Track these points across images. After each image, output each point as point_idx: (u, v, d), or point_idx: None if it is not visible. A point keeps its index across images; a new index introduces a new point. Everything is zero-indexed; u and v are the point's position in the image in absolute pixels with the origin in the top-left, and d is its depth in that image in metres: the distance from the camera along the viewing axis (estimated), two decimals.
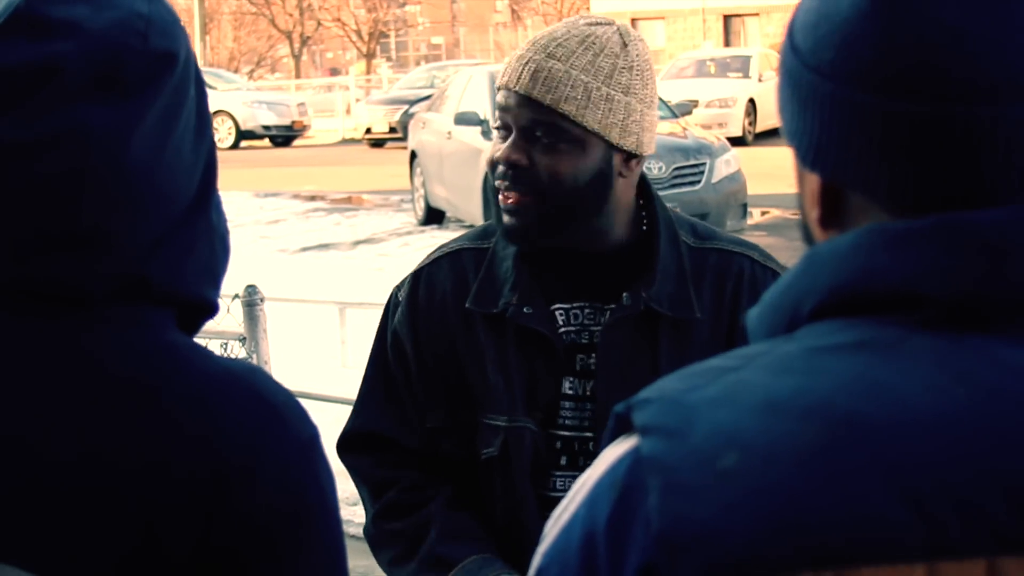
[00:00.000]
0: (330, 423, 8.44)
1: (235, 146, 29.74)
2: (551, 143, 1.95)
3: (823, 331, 0.93)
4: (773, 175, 18.32)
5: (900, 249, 0.91)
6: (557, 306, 2.05)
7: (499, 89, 2.01)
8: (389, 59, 72.92)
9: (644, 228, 2.07)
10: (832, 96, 0.94)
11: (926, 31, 0.91)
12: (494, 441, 2.04)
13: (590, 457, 1.99)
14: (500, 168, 1.99)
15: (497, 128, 2.01)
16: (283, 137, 30.89)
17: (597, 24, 2.00)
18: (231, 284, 4.40)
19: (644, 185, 2.09)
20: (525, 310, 2.02)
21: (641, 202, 2.09)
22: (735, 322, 2.01)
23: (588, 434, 2.03)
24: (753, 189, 13.29)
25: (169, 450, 1.12)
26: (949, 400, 0.87)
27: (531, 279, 2.04)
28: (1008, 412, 0.87)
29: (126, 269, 1.16)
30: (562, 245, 2.05)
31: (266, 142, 30.82)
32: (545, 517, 1.96)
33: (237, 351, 3.68)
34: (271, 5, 55.27)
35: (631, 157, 1.99)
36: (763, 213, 15.64)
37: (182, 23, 1.28)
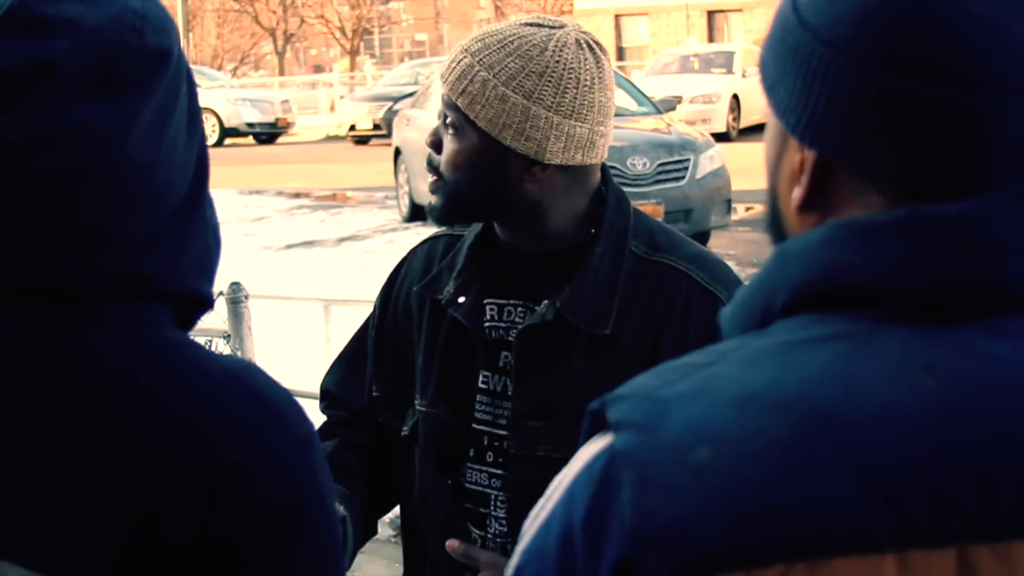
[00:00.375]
0: (315, 419, 8.44)
1: (219, 143, 29.69)
2: (452, 133, 1.98)
3: (795, 326, 0.93)
4: (757, 171, 18.22)
5: (870, 243, 0.92)
6: (490, 300, 2.05)
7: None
8: (373, 56, 72.88)
9: (592, 231, 2.03)
10: (845, 72, 0.94)
11: (951, 17, 0.91)
12: (409, 422, 2.11)
13: (500, 454, 2.02)
14: (429, 151, 2.06)
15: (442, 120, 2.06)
16: (267, 134, 30.87)
17: (538, 26, 1.97)
18: (222, 281, 4.40)
19: (605, 190, 2.06)
20: (459, 300, 2.04)
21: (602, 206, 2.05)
22: (659, 342, 1.96)
23: (501, 431, 2.03)
24: (737, 185, 13.29)
25: (168, 447, 1.13)
26: (919, 391, 0.88)
27: (474, 271, 2.06)
28: (978, 401, 0.88)
29: (124, 265, 1.17)
30: (510, 243, 2.06)
31: (250, 139, 30.79)
32: (457, 504, 2.05)
33: (221, 348, 3.67)
34: (254, 2, 55.16)
35: (534, 163, 1.95)
36: (747, 209, 15.65)
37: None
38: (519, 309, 2.04)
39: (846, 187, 0.97)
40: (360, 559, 5.22)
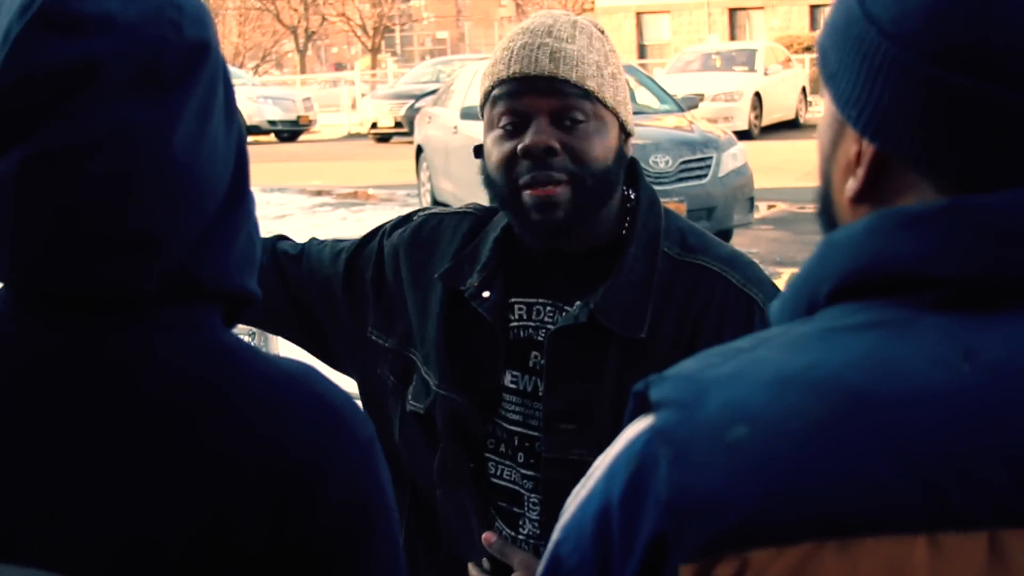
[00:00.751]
0: None
1: None
2: (581, 124, 1.92)
3: (838, 313, 0.95)
4: (779, 169, 18.32)
5: (913, 231, 0.93)
6: (518, 299, 2.03)
7: (501, 82, 1.95)
8: (394, 54, 72.94)
9: (624, 232, 2.00)
10: (911, 69, 0.94)
11: (1018, 19, 0.92)
12: (423, 400, 2.07)
13: (532, 455, 2.00)
14: (528, 160, 1.90)
15: (504, 124, 1.94)
16: (289, 132, 30.91)
17: (563, 14, 2.00)
18: None
19: (636, 188, 2.04)
20: (484, 295, 2.01)
21: (629, 205, 2.03)
22: (695, 345, 1.89)
23: (533, 432, 2.00)
24: (759, 183, 13.26)
25: (239, 450, 1.13)
26: (956, 375, 0.89)
27: (499, 266, 2.03)
28: (1014, 387, 0.88)
29: (176, 267, 1.16)
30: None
31: (272, 137, 30.82)
32: (483, 496, 2.03)
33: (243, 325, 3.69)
34: (276, 0, 55.26)
35: (628, 136, 2.00)
36: (769, 207, 15.63)
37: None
38: (548, 309, 2.01)
39: (901, 180, 0.98)
40: None
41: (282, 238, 2.33)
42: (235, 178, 1.23)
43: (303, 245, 2.30)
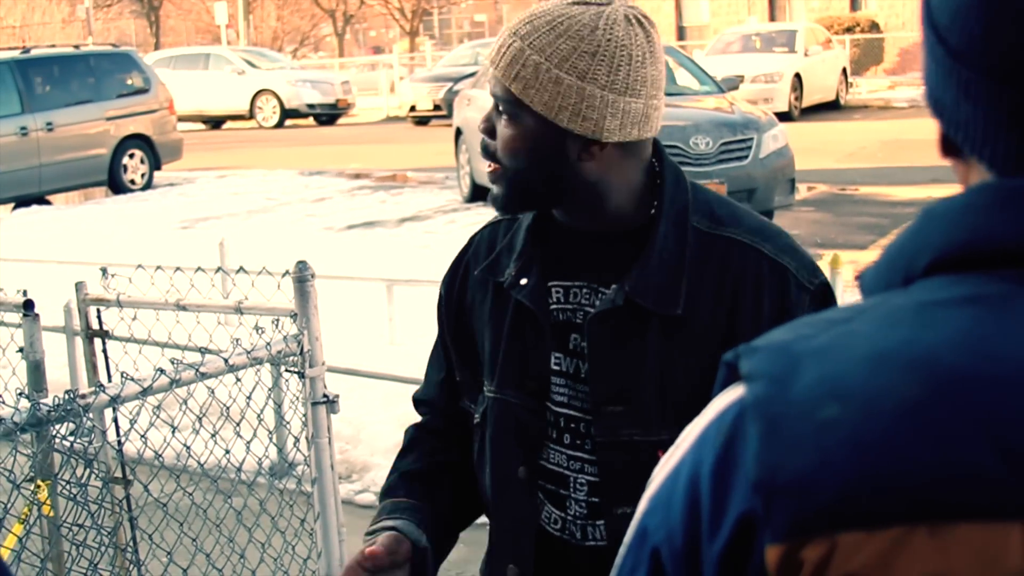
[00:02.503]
0: (379, 400, 8.42)
1: (280, 125, 29.86)
2: (507, 117, 1.97)
3: (935, 286, 0.92)
4: (820, 150, 18.23)
5: (1014, 205, 0.91)
6: (555, 283, 2.05)
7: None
8: (432, 37, 72.89)
9: (653, 211, 2.02)
10: (964, 74, 0.94)
11: None
12: (480, 408, 2.13)
13: (578, 436, 2.03)
14: (483, 136, 2.04)
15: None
16: (327, 115, 30.99)
17: (586, 4, 1.95)
18: (285, 261, 4.39)
19: (660, 166, 2.05)
20: (522, 282, 2.04)
21: (659, 183, 2.04)
22: (735, 318, 1.95)
23: (578, 414, 2.03)
24: (799, 165, 13.20)
25: None
26: None
27: (534, 252, 2.06)
28: None
29: None
30: (570, 223, 2.05)
31: (310, 120, 30.91)
32: (535, 485, 2.06)
33: (288, 327, 3.69)
34: None
35: (592, 143, 1.95)
36: (809, 188, 15.56)
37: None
38: (585, 291, 2.03)
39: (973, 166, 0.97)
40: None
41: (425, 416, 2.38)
42: None
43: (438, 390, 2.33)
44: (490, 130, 2.00)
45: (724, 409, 0.93)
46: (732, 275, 1.96)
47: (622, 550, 1.01)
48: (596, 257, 2.03)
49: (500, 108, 1.97)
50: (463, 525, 2.27)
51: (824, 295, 1.99)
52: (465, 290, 2.19)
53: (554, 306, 2.05)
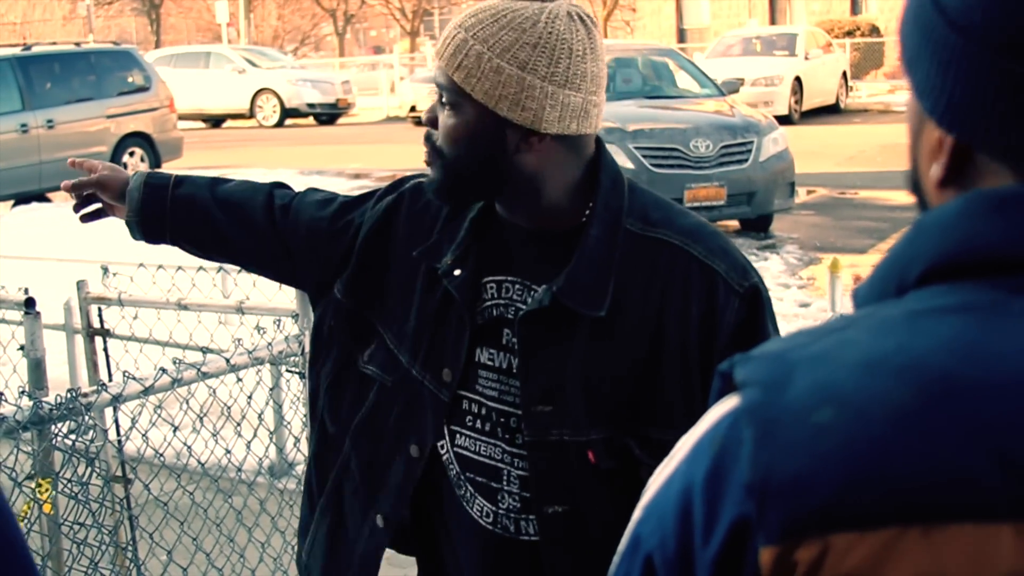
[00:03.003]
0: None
1: (280, 124, 29.85)
2: (448, 107, 1.99)
3: (927, 295, 0.93)
4: (820, 154, 18.22)
5: (1004, 213, 0.92)
6: (489, 278, 2.08)
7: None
8: (433, 37, 72.80)
9: (588, 212, 2.03)
10: (978, 59, 0.94)
11: None
12: (392, 372, 2.14)
13: (508, 431, 2.05)
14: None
15: None
16: (328, 115, 30.98)
17: (530, 0, 1.99)
18: None
19: (599, 167, 2.06)
20: (455, 272, 2.07)
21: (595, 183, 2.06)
22: (663, 319, 1.97)
23: (510, 409, 2.05)
24: (799, 168, 13.21)
25: None
26: None
27: (472, 245, 2.09)
28: None
29: None
30: (510, 219, 2.08)
31: (311, 120, 30.91)
32: (455, 472, 2.10)
33: (290, 328, 3.70)
34: None
35: (531, 133, 1.97)
36: (809, 192, 15.56)
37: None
38: (517, 287, 2.06)
39: (984, 167, 0.97)
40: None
41: (280, 185, 2.40)
42: None
43: (299, 192, 2.38)
44: (432, 120, 2.04)
45: (719, 419, 0.94)
46: (660, 276, 1.99)
47: (616, 558, 1.03)
48: (531, 254, 2.06)
49: (443, 98, 2.00)
50: (195, 235, 2.38)
51: (754, 297, 2.00)
52: (383, 229, 2.21)
53: (489, 301, 2.07)
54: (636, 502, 1.98)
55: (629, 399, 1.97)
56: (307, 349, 3.64)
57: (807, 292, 10.36)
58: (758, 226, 12.98)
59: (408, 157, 21.33)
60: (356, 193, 2.35)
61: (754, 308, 1.99)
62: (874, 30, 36.73)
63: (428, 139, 2.04)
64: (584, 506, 2.00)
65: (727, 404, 0.94)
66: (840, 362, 0.90)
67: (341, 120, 31.55)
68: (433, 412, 2.09)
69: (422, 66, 38.36)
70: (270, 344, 3.59)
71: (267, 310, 3.82)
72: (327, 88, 31.02)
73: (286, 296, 3.75)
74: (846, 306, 6.21)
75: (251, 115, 30.84)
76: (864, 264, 11.48)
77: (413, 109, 28.74)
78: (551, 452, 1.99)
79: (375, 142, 25.01)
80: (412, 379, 2.11)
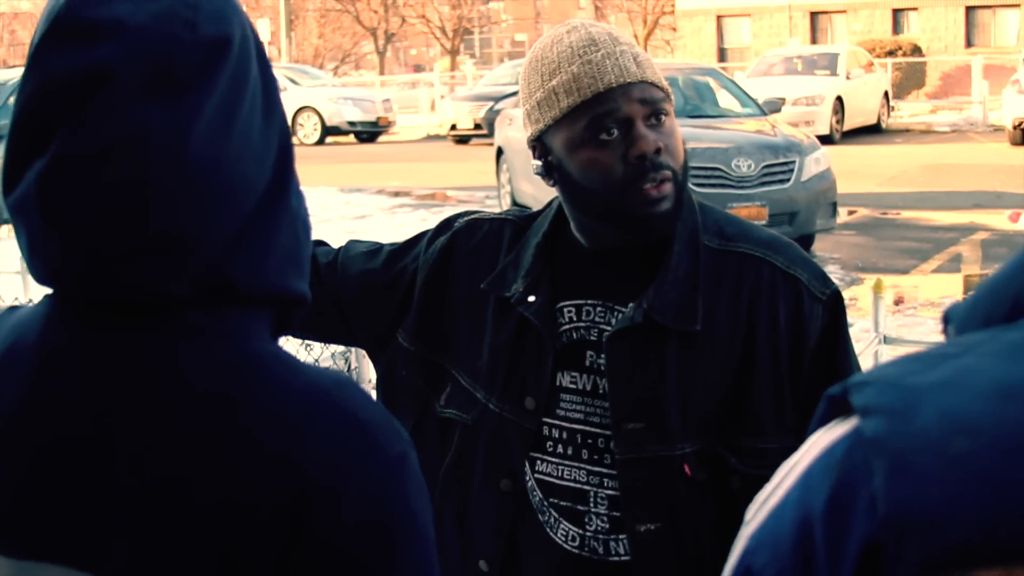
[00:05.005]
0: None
1: (321, 142, 29.97)
2: (667, 122, 1.99)
3: None
4: (861, 174, 18.15)
5: None
6: (566, 302, 2.07)
7: (598, 95, 1.97)
8: (473, 56, 73.15)
9: None
10: None
11: None
12: (469, 411, 2.11)
13: (596, 452, 2.03)
14: (644, 161, 1.95)
15: (605, 134, 1.97)
16: (368, 133, 31.08)
17: (591, 24, 2.06)
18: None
19: None
20: (529, 299, 2.05)
21: None
22: (753, 331, 1.99)
23: (596, 430, 2.03)
24: (841, 188, 13.15)
25: (248, 468, 1.09)
26: None
27: (544, 270, 2.07)
28: None
29: (207, 270, 1.13)
30: (585, 241, 2.07)
31: (351, 138, 31.02)
32: (517, 505, 2.07)
33: (335, 347, 3.72)
34: (356, 2, 55.63)
35: None
36: (851, 212, 15.50)
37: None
38: (599, 308, 2.05)
39: None
40: None
41: (319, 243, 2.34)
42: (276, 176, 1.19)
43: (341, 247, 2.33)
44: (664, 146, 1.97)
45: (831, 445, 0.91)
46: (747, 288, 2.01)
47: None
48: (610, 275, 2.06)
49: (660, 114, 1.99)
50: None
51: (835, 304, 2.04)
52: (442, 270, 2.18)
53: (566, 325, 2.06)
54: (726, 514, 1.97)
55: (721, 410, 1.99)
56: (354, 366, 3.66)
57: (850, 313, 10.27)
58: (800, 246, 12.93)
59: (448, 175, 21.43)
60: (402, 240, 2.32)
61: (835, 315, 2.04)
62: (916, 50, 36.61)
63: (664, 167, 1.97)
64: (676, 522, 1.99)
65: (838, 429, 0.91)
66: (970, 389, 0.87)
67: (381, 138, 31.65)
68: (519, 442, 2.07)
69: (462, 84, 38.46)
70: (316, 361, 3.61)
71: None
72: (368, 106, 31.13)
73: None
74: (889, 327, 6.17)
75: (292, 133, 30.64)
76: (907, 285, 11.42)
77: (454, 127, 28.81)
78: (645, 468, 1.98)
79: (415, 160, 25.08)
80: (491, 413, 2.09)
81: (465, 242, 2.19)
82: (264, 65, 1.22)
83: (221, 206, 1.13)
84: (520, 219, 2.19)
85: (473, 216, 2.24)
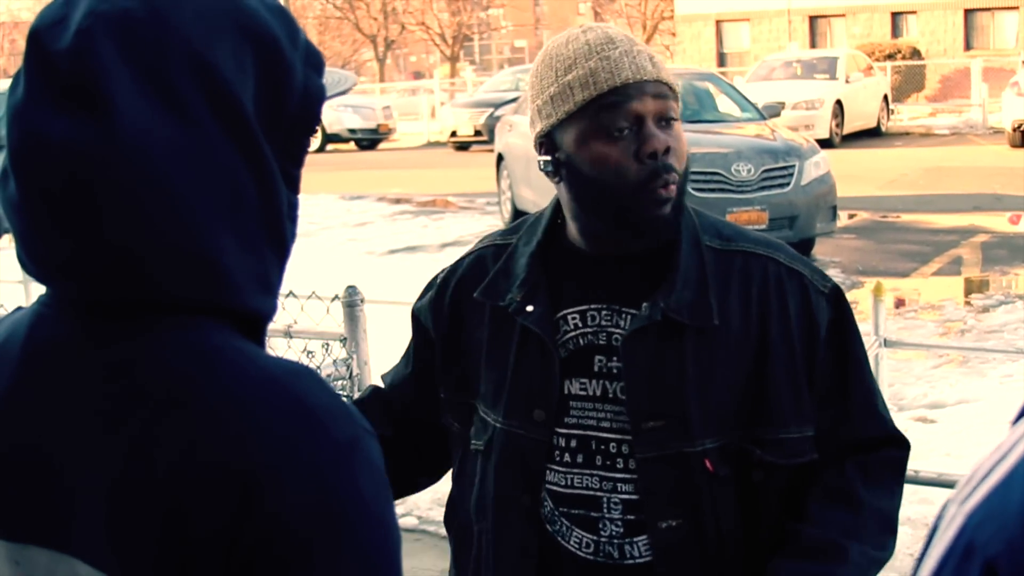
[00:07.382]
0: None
1: (321, 149, 29.98)
2: (675, 123, 2.02)
3: None
4: (861, 177, 18.13)
5: None
6: (568, 310, 2.07)
7: (613, 89, 1.98)
8: (473, 62, 73.05)
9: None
10: None
11: None
12: (482, 436, 2.12)
13: (609, 457, 2.03)
14: (653, 160, 1.97)
15: (618, 130, 1.97)
16: (369, 140, 31.09)
17: (608, 26, 2.08)
18: (329, 286, 4.39)
19: None
20: (528, 308, 2.05)
21: None
22: (766, 325, 2.02)
23: (609, 435, 2.03)
24: (840, 192, 13.14)
25: (200, 448, 1.12)
26: None
27: (540, 278, 2.07)
28: None
29: (167, 286, 1.16)
30: (585, 247, 2.09)
31: (352, 145, 31.02)
32: (533, 524, 2.07)
33: (338, 351, 3.73)
34: (355, 9, 55.62)
35: None
36: (851, 216, 15.50)
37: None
38: (604, 312, 2.05)
39: None
40: (412, 547, 5.22)
41: (375, 392, 2.40)
42: (245, 190, 1.21)
43: (386, 384, 2.38)
44: (669, 148, 1.98)
45: None
46: (755, 284, 2.05)
47: (931, 562, 0.98)
48: (612, 280, 2.06)
49: (670, 113, 2.01)
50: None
51: (838, 297, 2.09)
52: (460, 310, 2.19)
53: (572, 333, 2.06)
54: (747, 509, 1.97)
55: (740, 403, 2.01)
56: (355, 372, 3.67)
57: None
58: (800, 250, 12.89)
59: (449, 182, 21.40)
60: (422, 298, 2.34)
61: (839, 307, 2.09)
62: (915, 53, 36.59)
63: (672, 169, 1.99)
64: (698, 517, 1.99)
65: None
66: None
67: (382, 145, 31.65)
68: (532, 456, 2.06)
69: (462, 91, 38.45)
70: (318, 368, 3.62)
71: (315, 334, 3.84)
72: (368, 113, 31.12)
73: (334, 320, 3.78)
74: (890, 330, 6.20)
75: None
76: (907, 288, 11.43)
77: (454, 134, 28.78)
78: (667, 466, 1.98)
79: (416, 167, 25.08)
80: (499, 432, 2.09)
81: (453, 280, 2.22)
82: (222, 79, 1.20)
83: (175, 220, 1.14)
84: (498, 239, 2.22)
85: (459, 261, 2.26)
